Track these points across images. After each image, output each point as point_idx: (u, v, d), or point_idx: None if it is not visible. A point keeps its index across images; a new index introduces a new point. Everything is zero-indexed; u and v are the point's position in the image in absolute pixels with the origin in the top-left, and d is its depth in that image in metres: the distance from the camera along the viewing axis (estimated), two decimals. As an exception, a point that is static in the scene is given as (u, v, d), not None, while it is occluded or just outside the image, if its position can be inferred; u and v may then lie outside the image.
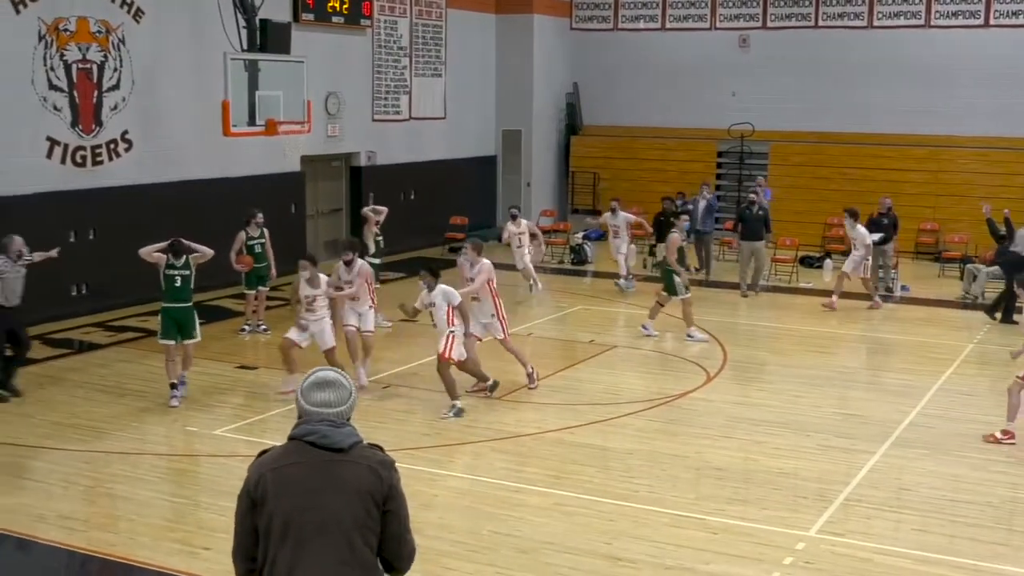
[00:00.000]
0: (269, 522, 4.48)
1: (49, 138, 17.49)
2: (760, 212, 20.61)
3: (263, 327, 16.94)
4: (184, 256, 13.06)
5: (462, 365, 13.11)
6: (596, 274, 23.33)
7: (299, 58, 18.84)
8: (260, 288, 16.87)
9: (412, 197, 25.44)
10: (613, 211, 21.18)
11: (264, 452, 4.67)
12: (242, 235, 16.53)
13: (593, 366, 15.31)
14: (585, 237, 25.36)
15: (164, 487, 10.51)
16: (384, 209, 18.72)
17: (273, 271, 16.99)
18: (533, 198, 28.27)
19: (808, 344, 16.94)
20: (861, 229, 19.20)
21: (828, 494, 10.38)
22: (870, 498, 10.32)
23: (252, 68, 17.53)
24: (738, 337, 17.13)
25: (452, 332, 12.75)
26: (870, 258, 19.34)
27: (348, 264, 14.08)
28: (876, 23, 26.09)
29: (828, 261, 23.56)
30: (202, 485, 10.36)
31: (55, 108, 17.53)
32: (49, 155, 17.52)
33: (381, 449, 4.73)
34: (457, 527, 9.51)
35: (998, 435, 11.88)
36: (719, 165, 27.84)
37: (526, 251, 19.99)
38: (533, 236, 20.28)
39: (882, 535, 9.51)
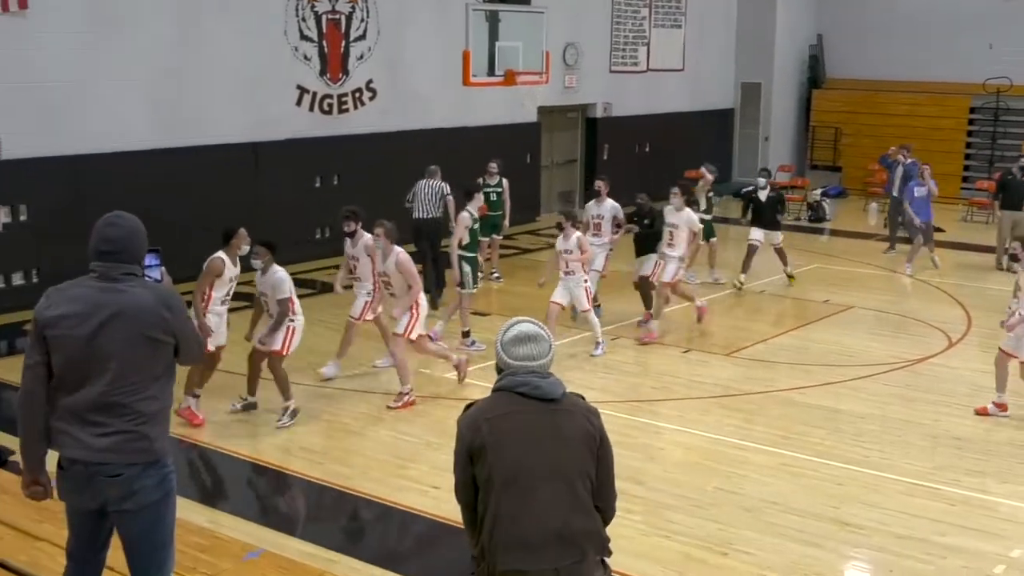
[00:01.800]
0: (490, 471, 4.55)
1: (299, 86, 18.23)
2: None
3: (496, 275, 17.24)
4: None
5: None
6: (834, 232, 22.66)
7: (539, 9, 18.94)
8: (494, 236, 17.17)
9: (646, 149, 25.28)
10: (598, 197, 14.94)
11: (471, 405, 4.74)
12: (479, 182, 16.81)
13: (827, 326, 14.91)
14: (824, 194, 24.63)
15: (398, 426, 10.85)
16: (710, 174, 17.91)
17: (507, 220, 17.26)
18: (771, 152, 27.63)
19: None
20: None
21: (1077, 471, 9.81)
22: (1124, 478, 9.70)
23: (493, 19, 17.75)
24: (986, 302, 16.29)
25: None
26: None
27: (352, 236, 12.35)
28: None
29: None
30: (435, 426, 10.61)
31: (305, 58, 18.24)
32: (299, 103, 18.28)
33: (583, 398, 4.78)
34: (681, 481, 9.47)
35: (989, 407, 11.29)
36: (971, 122, 26.45)
37: (581, 279, 13.24)
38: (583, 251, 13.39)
39: None
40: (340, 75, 18.79)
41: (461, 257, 13.52)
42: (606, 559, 4.65)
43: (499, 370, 4.74)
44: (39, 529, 6.36)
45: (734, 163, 28.19)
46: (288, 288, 10.69)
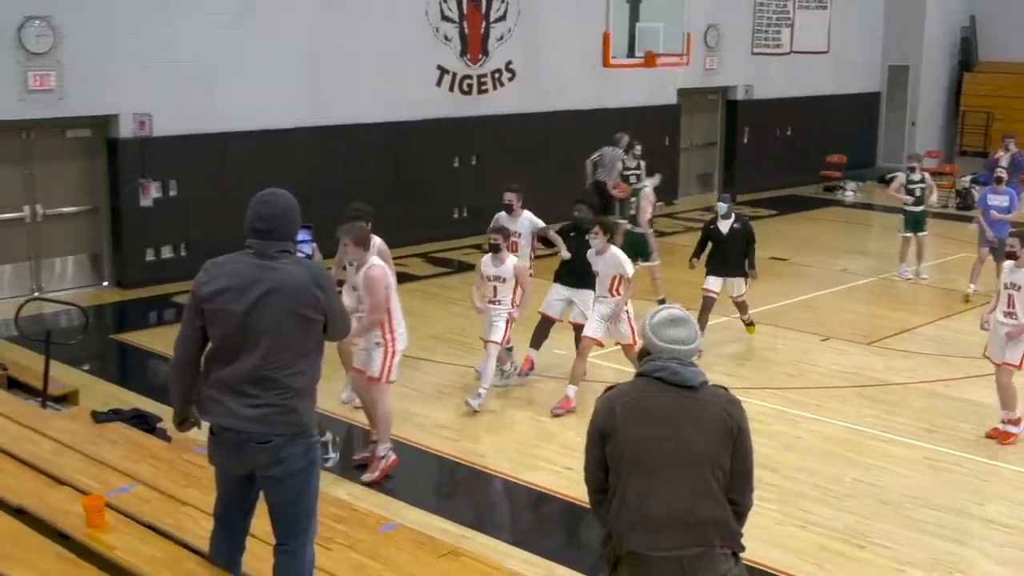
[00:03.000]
0: (620, 452, 4.55)
1: (439, 67, 18.38)
2: None
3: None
4: None
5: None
6: (983, 220, 21.92)
7: (680, -10, 18.70)
8: (632, 219, 17.10)
9: (788, 133, 24.82)
10: (509, 208, 11.73)
11: (611, 388, 4.75)
12: (619, 164, 16.82)
13: (973, 317, 14.42)
14: (974, 181, 23.84)
15: (532, 407, 10.86)
16: None
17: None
18: (918, 138, 26.84)
19: None
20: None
21: None
22: None
23: (634, 0, 17.59)
24: None
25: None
26: None
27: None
28: None
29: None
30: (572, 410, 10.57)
31: (446, 38, 18.38)
32: (438, 83, 18.44)
33: (725, 389, 4.72)
34: (818, 471, 9.31)
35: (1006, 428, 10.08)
36: None
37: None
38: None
39: None
40: (480, 56, 18.89)
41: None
42: (737, 552, 4.58)
43: (644, 354, 4.72)
44: (185, 494, 6.57)
45: (879, 149, 27.48)
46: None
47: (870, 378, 11.86)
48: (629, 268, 10.54)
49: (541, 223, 11.80)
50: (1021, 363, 9.89)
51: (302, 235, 5.33)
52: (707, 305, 12.56)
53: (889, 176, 20.53)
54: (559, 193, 18.99)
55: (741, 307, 12.93)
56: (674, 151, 22.63)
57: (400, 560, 6.16)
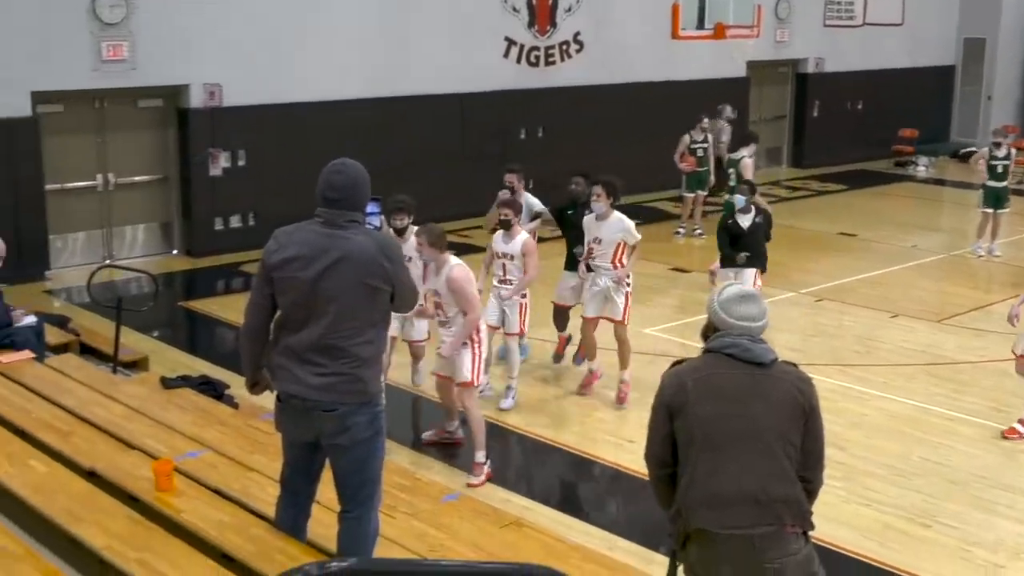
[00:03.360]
0: (690, 429, 4.51)
1: (507, 38, 18.33)
2: None
3: (699, 231, 17.06)
4: None
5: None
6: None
7: (752, -40, 18.48)
8: (699, 192, 17.03)
9: (859, 106, 24.43)
10: (511, 190, 11.19)
11: (678, 362, 4.71)
12: (686, 138, 16.75)
13: (1048, 296, 14.17)
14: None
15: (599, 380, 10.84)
16: None
17: (712, 177, 17.06)
18: (994, 113, 26.29)
19: None
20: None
21: None
22: None
23: (704, -29, 17.44)
24: None
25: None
26: None
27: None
28: None
29: None
30: (635, 383, 10.52)
31: (514, 9, 18.32)
32: (506, 55, 18.38)
33: (795, 366, 4.67)
34: (884, 449, 9.21)
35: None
36: None
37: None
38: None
39: None
40: (548, 27, 18.79)
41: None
42: (807, 531, 4.54)
43: (710, 332, 4.68)
44: (251, 460, 6.65)
45: (953, 123, 26.96)
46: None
47: (939, 356, 11.69)
48: (635, 233, 9.87)
49: (540, 206, 11.29)
50: None
51: (371, 208, 5.34)
52: None
53: (964, 151, 20.18)
54: (625, 166, 18.94)
55: None
56: (742, 124, 22.37)
57: (462, 529, 6.20)
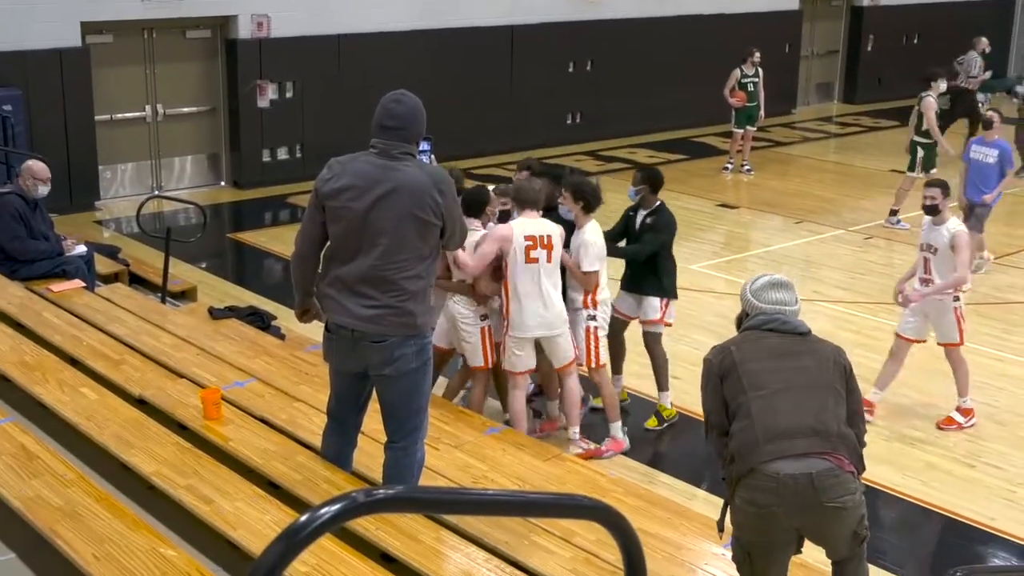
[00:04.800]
0: (741, 381, 4.62)
1: (558, -31, 18.11)
2: None
3: (747, 167, 16.89)
4: None
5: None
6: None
7: None
8: (748, 127, 16.81)
9: (915, 41, 23.96)
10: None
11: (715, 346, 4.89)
12: (736, 72, 16.50)
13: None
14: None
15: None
16: None
17: (762, 112, 16.86)
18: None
19: None
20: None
21: None
22: None
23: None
24: None
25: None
26: None
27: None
28: None
29: None
30: (681, 318, 10.47)
31: (564, -60, 18.07)
32: (556, -13, 18.18)
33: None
34: (930, 389, 9.14)
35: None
36: None
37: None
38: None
39: None
40: (598, -41, 18.54)
41: (917, 143, 13.84)
42: (860, 475, 4.59)
43: (743, 318, 4.89)
44: (297, 391, 6.73)
45: (1011, 57, 26.39)
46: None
47: (988, 295, 11.55)
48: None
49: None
50: None
51: (423, 145, 5.32)
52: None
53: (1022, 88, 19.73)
54: (674, 99, 18.76)
55: None
56: (794, 59, 22.04)
57: (505, 461, 6.26)
